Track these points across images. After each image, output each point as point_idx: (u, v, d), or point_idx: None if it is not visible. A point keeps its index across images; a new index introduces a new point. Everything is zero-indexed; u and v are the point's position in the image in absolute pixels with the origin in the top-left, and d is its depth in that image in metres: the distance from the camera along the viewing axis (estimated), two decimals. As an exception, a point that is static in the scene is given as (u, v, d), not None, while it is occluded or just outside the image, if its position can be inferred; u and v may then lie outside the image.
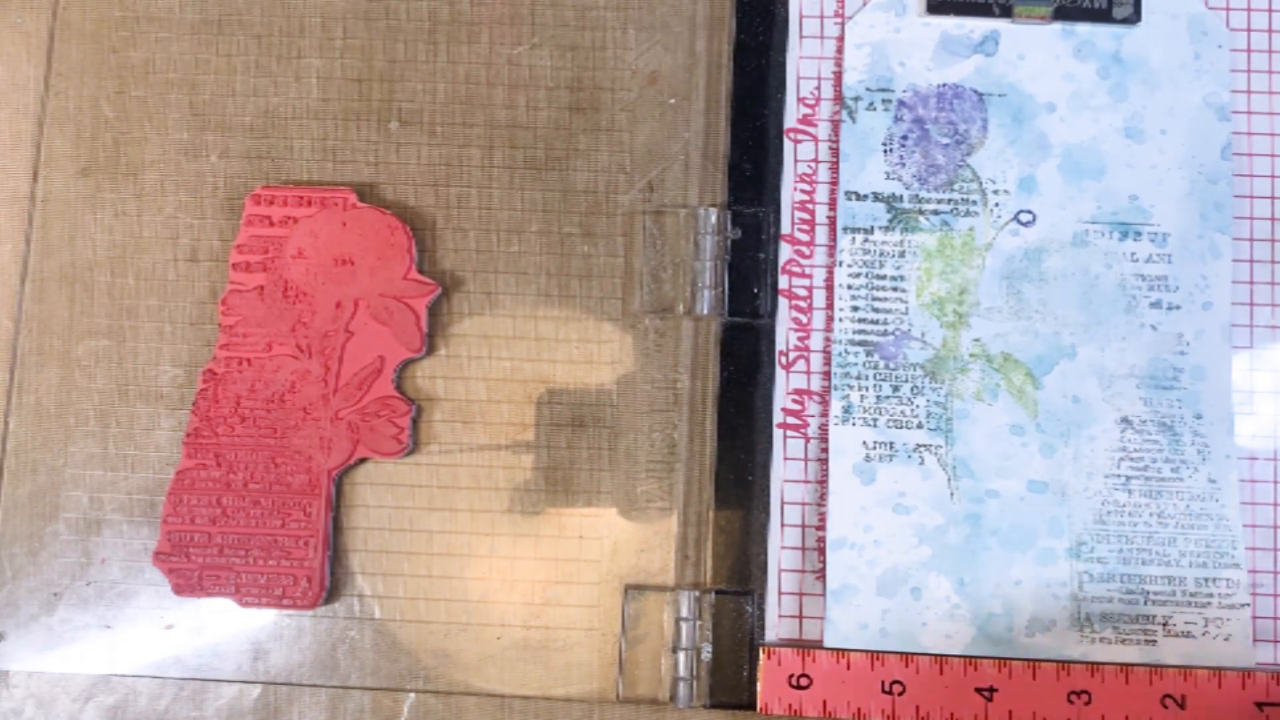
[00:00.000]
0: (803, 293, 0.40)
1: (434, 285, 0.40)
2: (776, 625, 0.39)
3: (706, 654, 0.38)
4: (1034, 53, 0.41)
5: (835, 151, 0.41)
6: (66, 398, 0.40)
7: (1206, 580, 0.38)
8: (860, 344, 0.40)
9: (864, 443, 0.39)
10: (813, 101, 0.41)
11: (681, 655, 0.38)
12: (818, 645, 0.38)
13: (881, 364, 0.40)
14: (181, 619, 0.39)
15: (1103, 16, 0.41)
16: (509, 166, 0.41)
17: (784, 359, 0.40)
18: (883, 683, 0.38)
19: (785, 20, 0.41)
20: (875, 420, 0.39)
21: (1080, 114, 0.40)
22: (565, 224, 0.41)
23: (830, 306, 0.40)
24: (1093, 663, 0.38)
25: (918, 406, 0.39)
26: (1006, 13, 0.41)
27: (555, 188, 0.41)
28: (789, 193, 0.41)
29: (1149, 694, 0.38)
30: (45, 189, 0.41)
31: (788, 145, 0.41)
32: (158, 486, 0.40)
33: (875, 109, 0.41)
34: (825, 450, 0.39)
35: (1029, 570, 0.38)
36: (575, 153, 0.41)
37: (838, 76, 0.41)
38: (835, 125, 0.41)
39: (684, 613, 0.38)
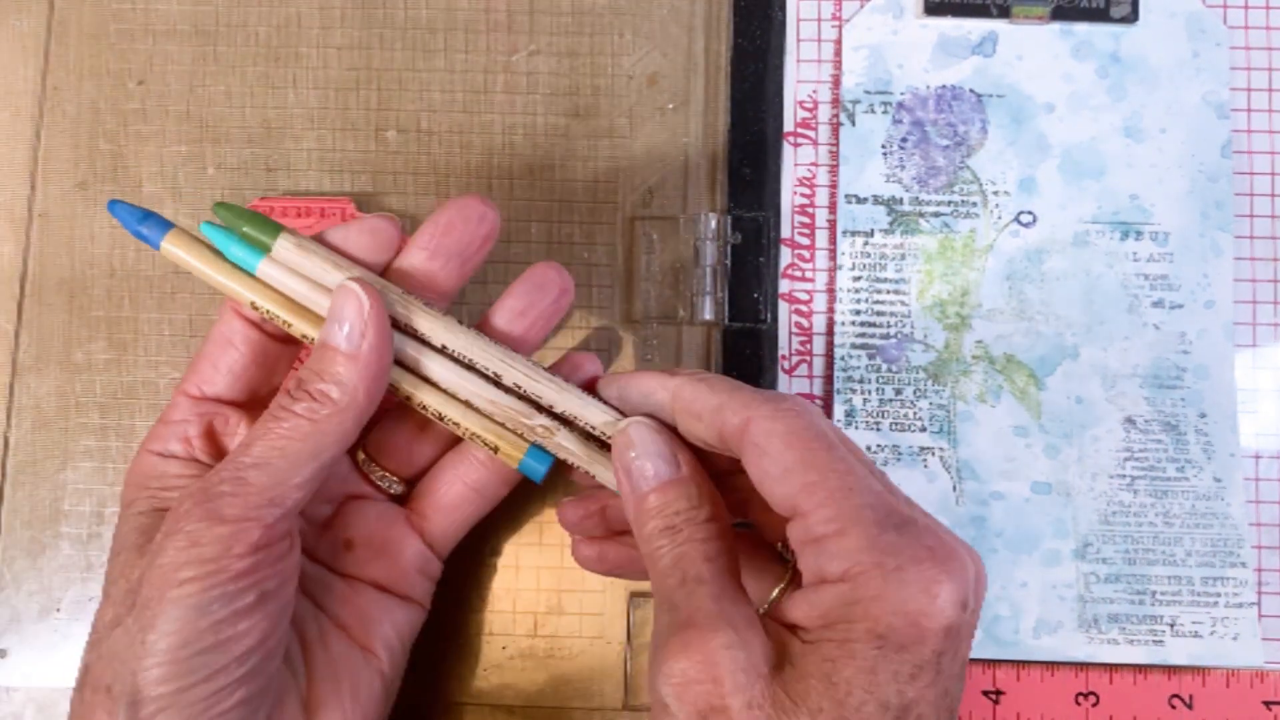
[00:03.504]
0: (804, 297, 0.40)
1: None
2: (782, 630, 0.39)
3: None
4: (1032, 53, 0.41)
5: (834, 155, 0.41)
6: (66, 407, 0.40)
7: (1213, 579, 0.38)
8: (862, 347, 0.40)
9: (867, 446, 0.39)
10: (811, 105, 0.41)
11: (688, 662, 0.38)
12: (824, 650, 0.38)
13: (884, 367, 0.39)
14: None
15: (1100, 16, 0.41)
16: (508, 173, 0.41)
17: (786, 363, 0.40)
18: (890, 687, 0.38)
19: (783, 24, 0.41)
20: (879, 423, 0.39)
21: (1079, 114, 0.40)
22: (565, 230, 0.41)
23: (831, 310, 0.40)
24: (1100, 664, 0.38)
25: (921, 409, 0.39)
26: (1004, 13, 0.41)
27: (555, 194, 0.41)
28: (789, 197, 0.41)
29: (1157, 694, 0.37)
30: (44, 198, 0.41)
31: (787, 149, 0.41)
32: (159, 499, 0.40)
33: (874, 111, 0.41)
34: (829, 454, 0.39)
35: (1035, 572, 0.38)
36: (574, 159, 0.41)
37: (836, 80, 0.41)
38: (834, 128, 0.41)
39: (689, 619, 0.38)
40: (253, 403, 0.34)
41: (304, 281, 0.33)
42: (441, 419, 0.33)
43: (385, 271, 0.34)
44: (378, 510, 0.35)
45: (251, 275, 0.33)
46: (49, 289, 0.41)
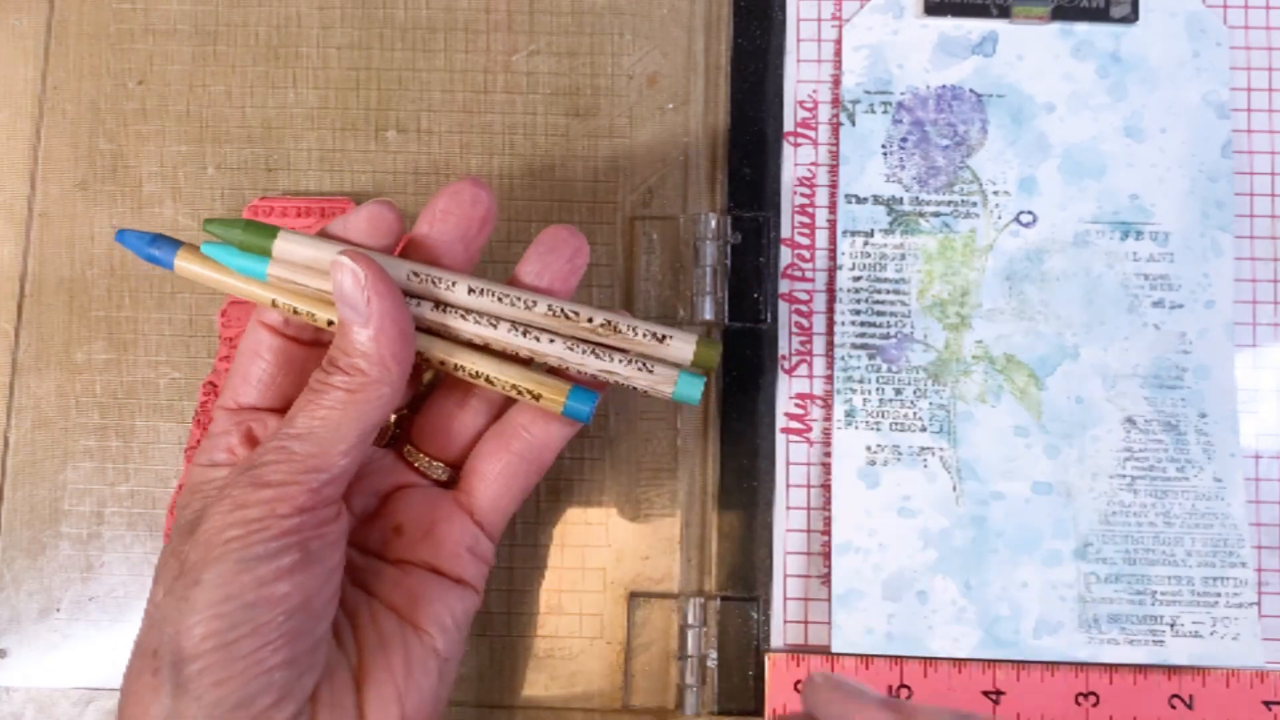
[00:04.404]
0: (804, 297, 0.40)
1: (434, 294, 0.40)
2: (782, 631, 0.39)
3: (712, 661, 0.38)
4: (1032, 53, 0.41)
5: (834, 155, 0.41)
6: (66, 407, 0.40)
7: (1213, 580, 0.38)
8: (862, 347, 0.40)
9: (867, 446, 0.39)
10: (811, 105, 0.41)
11: (687, 663, 0.38)
12: (824, 650, 0.38)
13: (884, 367, 0.39)
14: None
15: (1100, 16, 0.41)
16: (508, 173, 0.41)
17: (786, 363, 0.40)
18: (890, 687, 0.38)
19: (783, 24, 0.41)
20: (878, 424, 0.39)
21: (1080, 114, 0.40)
22: (565, 230, 0.41)
23: (831, 310, 0.40)
24: (1100, 664, 0.38)
25: (921, 409, 0.39)
26: (1004, 13, 0.41)
27: (554, 194, 0.41)
28: (789, 197, 0.41)
29: (1157, 694, 0.37)
30: (44, 198, 0.41)
31: (787, 149, 0.41)
32: (160, 498, 0.40)
33: (874, 111, 0.41)
34: (828, 454, 0.39)
35: (1035, 572, 0.38)
36: (574, 158, 0.41)
37: (836, 79, 0.41)
38: (834, 128, 0.41)
39: (689, 620, 0.38)
40: (288, 407, 0.34)
41: (314, 274, 0.33)
42: (479, 377, 0.33)
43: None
44: (425, 495, 0.35)
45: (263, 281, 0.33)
46: (49, 289, 0.41)
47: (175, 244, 0.33)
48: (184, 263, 0.33)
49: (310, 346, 0.34)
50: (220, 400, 0.34)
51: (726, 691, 0.38)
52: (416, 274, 0.33)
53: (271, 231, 0.33)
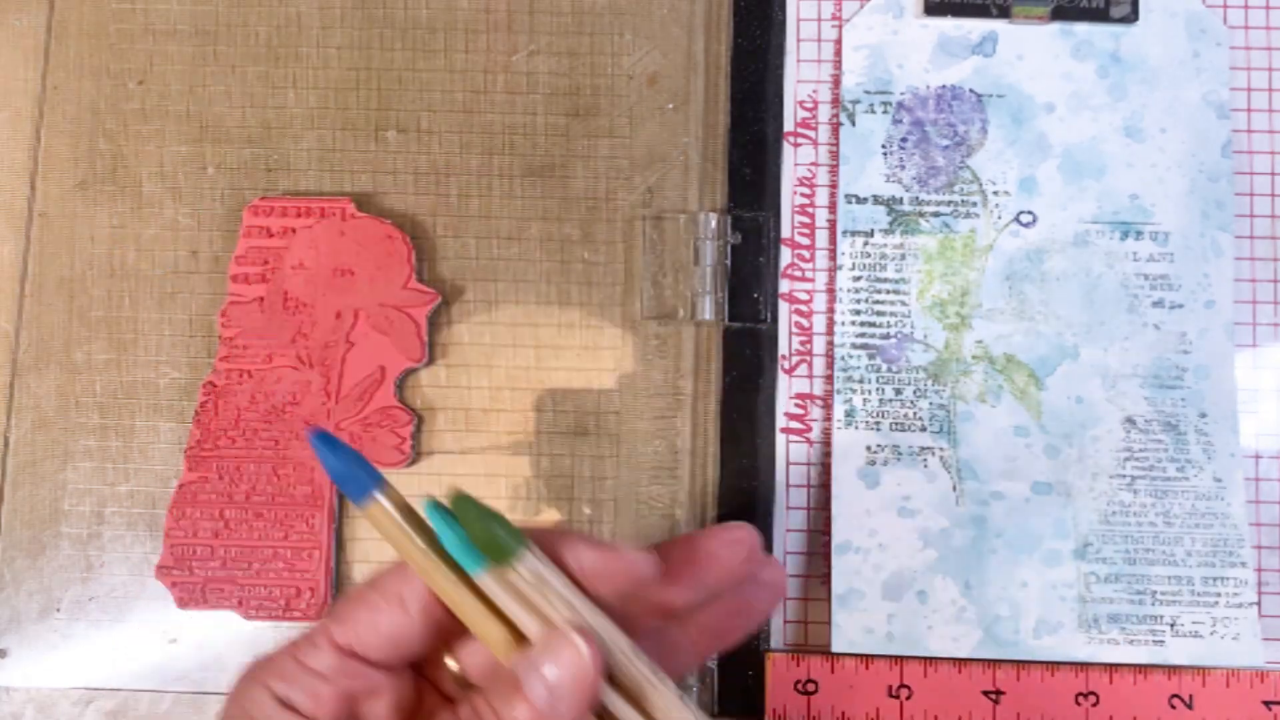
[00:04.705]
0: (804, 296, 0.40)
1: (434, 294, 0.40)
2: (782, 631, 0.39)
3: (712, 661, 0.38)
4: (1032, 53, 0.41)
5: (835, 155, 0.41)
6: (66, 407, 0.40)
7: (1213, 579, 0.38)
8: (862, 347, 0.40)
9: (867, 446, 0.39)
10: (811, 105, 0.41)
11: (688, 662, 0.38)
12: (824, 650, 0.38)
13: (884, 367, 0.39)
14: (184, 631, 0.39)
15: (1100, 16, 0.41)
16: (508, 173, 0.41)
17: (786, 363, 0.40)
18: (889, 687, 0.38)
19: (783, 24, 0.41)
20: (878, 424, 0.39)
21: (1079, 114, 0.40)
22: (565, 230, 0.41)
23: (831, 310, 0.40)
24: (1100, 664, 0.38)
25: (921, 409, 0.39)
26: (1004, 13, 0.41)
27: (555, 194, 0.41)
28: (789, 196, 0.41)
29: (1157, 694, 0.37)
30: (44, 198, 0.41)
31: (787, 149, 0.41)
32: (160, 498, 0.40)
33: (874, 111, 0.41)
34: (828, 454, 0.39)
35: (1035, 572, 0.38)
36: (574, 158, 0.41)
37: (836, 79, 0.41)
38: (834, 128, 0.41)
39: (689, 620, 0.38)
40: (408, 674, 0.28)
41: (525, 607, 0.27)
42: None
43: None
44: None
45: (462, 571, 0.27)
46: (49, 289, 0.41)
47: (376, 477, 0.28)
48: (382, 500, 0.27)
49: None
50: (330, 627, 0.27)
51: (726, 691, 0.38)
52: (631, 658, 0.27)
53: (518, 541, 0.27)
